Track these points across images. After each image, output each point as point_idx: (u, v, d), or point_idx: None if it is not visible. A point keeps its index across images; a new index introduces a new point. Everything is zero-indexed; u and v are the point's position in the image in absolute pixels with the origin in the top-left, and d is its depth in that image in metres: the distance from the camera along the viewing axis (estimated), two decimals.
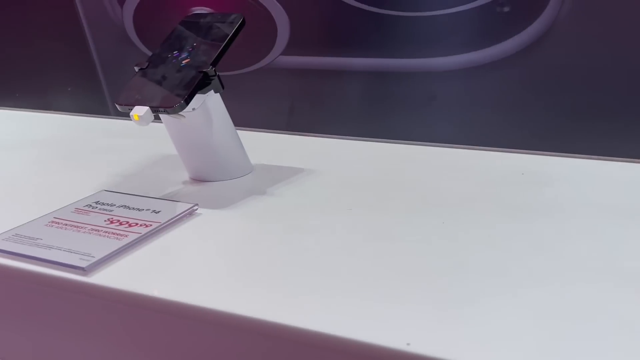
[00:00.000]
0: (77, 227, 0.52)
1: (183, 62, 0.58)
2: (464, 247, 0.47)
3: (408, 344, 0.35)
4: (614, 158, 0.64)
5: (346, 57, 0.77)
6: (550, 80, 0.67)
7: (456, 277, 0.43)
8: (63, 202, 0.57)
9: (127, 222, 0.52)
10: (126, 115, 0.56)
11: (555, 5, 0.64)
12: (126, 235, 0.50)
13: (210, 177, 0.63)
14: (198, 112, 0.58)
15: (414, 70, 0.73)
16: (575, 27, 0.65)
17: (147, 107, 0.54)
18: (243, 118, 0.71)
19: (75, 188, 0.62)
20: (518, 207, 0.54)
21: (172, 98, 0.54)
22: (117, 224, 0.52)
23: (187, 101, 0.54)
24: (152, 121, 0.55)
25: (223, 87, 0.58)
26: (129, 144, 0.78)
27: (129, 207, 0.55)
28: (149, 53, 0.86)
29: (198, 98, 0.57)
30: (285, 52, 0.80)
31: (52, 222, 0.53)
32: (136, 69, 0.60)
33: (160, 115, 0.57)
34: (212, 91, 0.58)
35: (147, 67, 0.59)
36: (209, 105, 0.59)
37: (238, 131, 0.64)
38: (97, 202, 0.57)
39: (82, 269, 0.45)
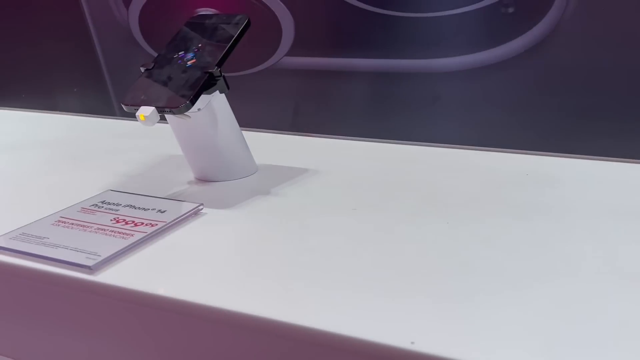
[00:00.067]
0: (84, 226, 0.52)
1: (189, 62, 0.58)
2: (467, 247, 0.47)
3: (412, 343, 0.35)
4: (619, 159, 0.64)
5: (351, 57, 0.77)
6: (555, 81, 0.67)
7: (460, 276, 0.43)
8: (69, 202, 0.58)
9: (133, 222, 0.52)
10: (132, 116, 0.56)
11: (560, 6, 0.65)
12: (132, 235, 0.50)
13: (215, 177, 0.64)
14: (203, 112, 0.58)
15: (419, 71, 0.73)
16: (579, 28, 0.65)
17: (153, 108, 0.54)
18: (248, 118, 0.71)
19: (81, 188, 0.62)
20: (522, 207, 0.54)
21: (178, 98, 0.55)
22: (123, 223, 0.52)
23: (193, 102, 0.55)
24: (158, 122, 0.55)
25: (228, 88, 0.59)
26: (135, 144, 0.79)
27: (134, 207, 0.56)
28: (155, 54, 0.87)
29: (203, 98, 0.57)
30: (290, 53, 0.80)
31: (59, 221, 0.54)
32: (142, 69, 0.60)
33: (166, 116, 0.57)
34: (217, 92, 0.58)
35: (152, 67, 0.60)
36: (215, 105, 0.59)
37: (243, 131, 0.64)
38: (103, 202, 0.57)
39: (88, 267, 0.45)
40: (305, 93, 0.83)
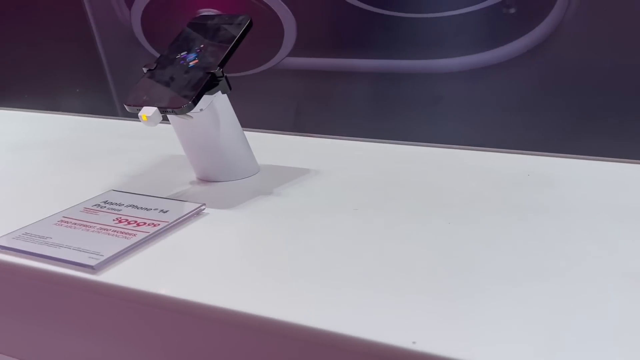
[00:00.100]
0: (86, 226, 0.53)
1: (191, 63, 0.58)
2: (469, 247, 0.47)
3: (414, 343, 0.35)
4: (621, 159, 0.64)
5: (353, 58, 0.77)
6: (557, 81, 0.67)
7: (462, 276, 0.43)
8: (72, 202, 0.58)
9: (136, 222, 0.53)
10: (134, 116, 0.56)
11: (562, 6, 0.65)
12: (134, 235, 0.50)
13: (217, 178, 0.64)
14: (206, 113, 0.58)
15: (420, 71, 0.74)
16: (581, 28, 0.65)
17: (155, 108, 0.55)
18: (250, 119, 0.71)
19: (84, 188, 0.63)
20: (524, 207, 0.54)
21: (180, 99, 0.55)
22: (126, 223, 0.53)
23: (195, 102, 0.55)
24: (160, 122, 0.55)
25: (230, 88, 0.59)
26: (137, 144, 0.79)
27: (137, 207, 0.56)
28: (157, 54, 0.87)
29: (206, 99, 0.57)
30: (292, 54, 0.80)
31: (62, 221, 0.54)
32: (144, 70, 0.60)
33: (168, 116, 0.57)
34: (219, 92, 0.58)
35: (155, 68, 0.60)
36: (217, 106, 0.59)
37: (245, 132, 0.64)
38: (105, 202, 0.58)
39: (91, 267, 0.46)
40: (307, 93, 0.83)
